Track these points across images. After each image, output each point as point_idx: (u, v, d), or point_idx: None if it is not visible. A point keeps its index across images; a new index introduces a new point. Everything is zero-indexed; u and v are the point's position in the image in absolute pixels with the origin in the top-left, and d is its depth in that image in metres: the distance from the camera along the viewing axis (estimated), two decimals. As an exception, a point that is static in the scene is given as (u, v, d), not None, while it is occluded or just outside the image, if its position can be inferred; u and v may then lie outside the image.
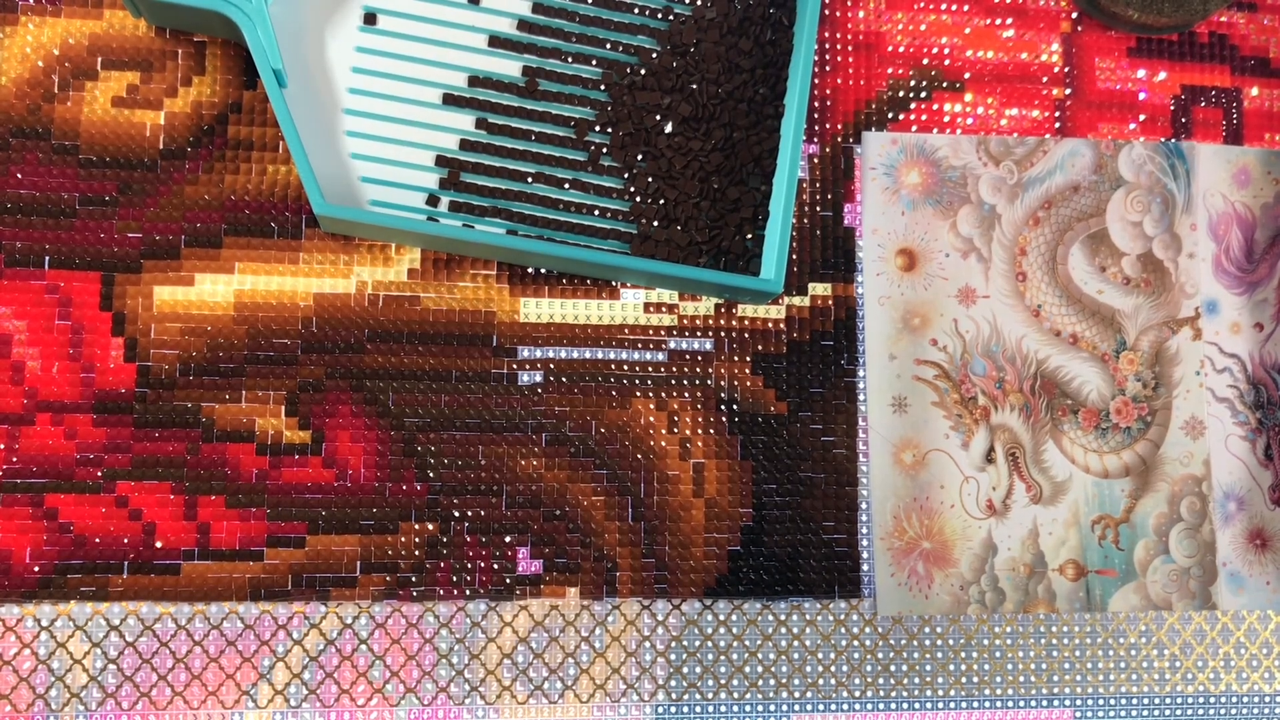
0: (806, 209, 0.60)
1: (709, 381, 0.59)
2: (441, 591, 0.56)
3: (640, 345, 0.58)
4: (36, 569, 0.54)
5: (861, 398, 0.60)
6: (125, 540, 0.54)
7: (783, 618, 0.58)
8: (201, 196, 0.56)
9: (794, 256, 0.60)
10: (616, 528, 0.57)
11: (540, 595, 0.56)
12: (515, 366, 0.57)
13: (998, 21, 0.63)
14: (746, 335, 0.59)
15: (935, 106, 0.62)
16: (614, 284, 0.59)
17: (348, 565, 0.55)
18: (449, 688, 0.56)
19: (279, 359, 0.56)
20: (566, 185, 0.58)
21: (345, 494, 0.56)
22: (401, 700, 0.55)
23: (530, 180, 0.58)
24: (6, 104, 0.56)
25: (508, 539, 0.56)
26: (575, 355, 0.58)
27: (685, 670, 0.57)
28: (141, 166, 0.56)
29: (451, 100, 0.58)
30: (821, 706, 0.58)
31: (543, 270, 0.58)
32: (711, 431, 0.58)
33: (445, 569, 0.56)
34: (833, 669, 0.58)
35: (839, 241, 0.60)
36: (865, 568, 0.59)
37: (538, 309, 0.58)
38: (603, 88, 0.59)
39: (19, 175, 0.55)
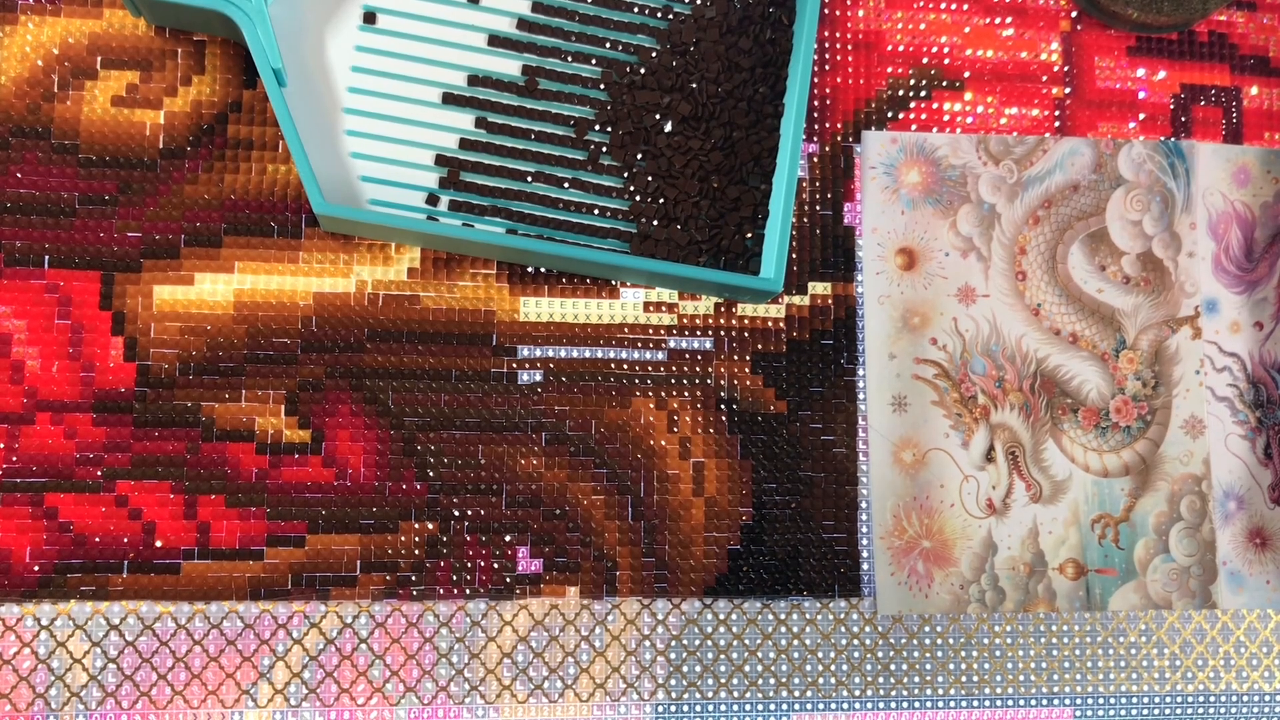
0: (806, 208, 0.60)
1: (709, 381, 0.59)
2: (441, 591, 0.56)
3: (640, 344, 0.58)
4: (36, 568, 0.54)
5: (861, 397, 0.60)
6: (125, 540, 0.54)
7: (782, 617, 0.58)
8: (201, 196, 0.56)
9: (794, 256, 0.60)
10: (616, 527, 0.57)
11: (540, 594, 0.56)
12: (515, 366, 0.58)
13: (997, 20, 0.63)
14: (746, 334, 0.59)
15: (935, 105, 0.62)
16: (614, 283, 0.59)
17: (348, 565, 0.55)
18: (449, 687, 0.56)
19: (279, 358, 0.56)
20: (566, 184, 0.58)
21: (345, 493, 0.56)
22: (401, 699, 0.55)
23: (530, 180, 0.58)
24: (6, 103, 0.56)
25: (507, 538, 0.56)
26: (575, 355, 0.58)
27: (685, 669, 0.57)
28: (141, 166, 0.56)
29: (451, 100, 0.58)
30: (821, 705, 0.58)
31: (543, 269, 0.58)
32: (711, 431, 0.58)
33: (445, 568, 0.56)
34: (833, 668, 0.58)
35: (839, 241, 0.60)
36: (865, 567, 0.59)
37: (537, 308, 0.58)
38: (602, 87, 0.59)
39: (19, 175, 0.55)
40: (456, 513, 0.56)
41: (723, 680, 0.57)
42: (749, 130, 0.58)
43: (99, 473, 0.54)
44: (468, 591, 0.56)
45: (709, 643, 0.57)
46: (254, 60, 0.54)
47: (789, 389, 0.59)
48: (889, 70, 0.62)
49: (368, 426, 0.56)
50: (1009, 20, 0.63)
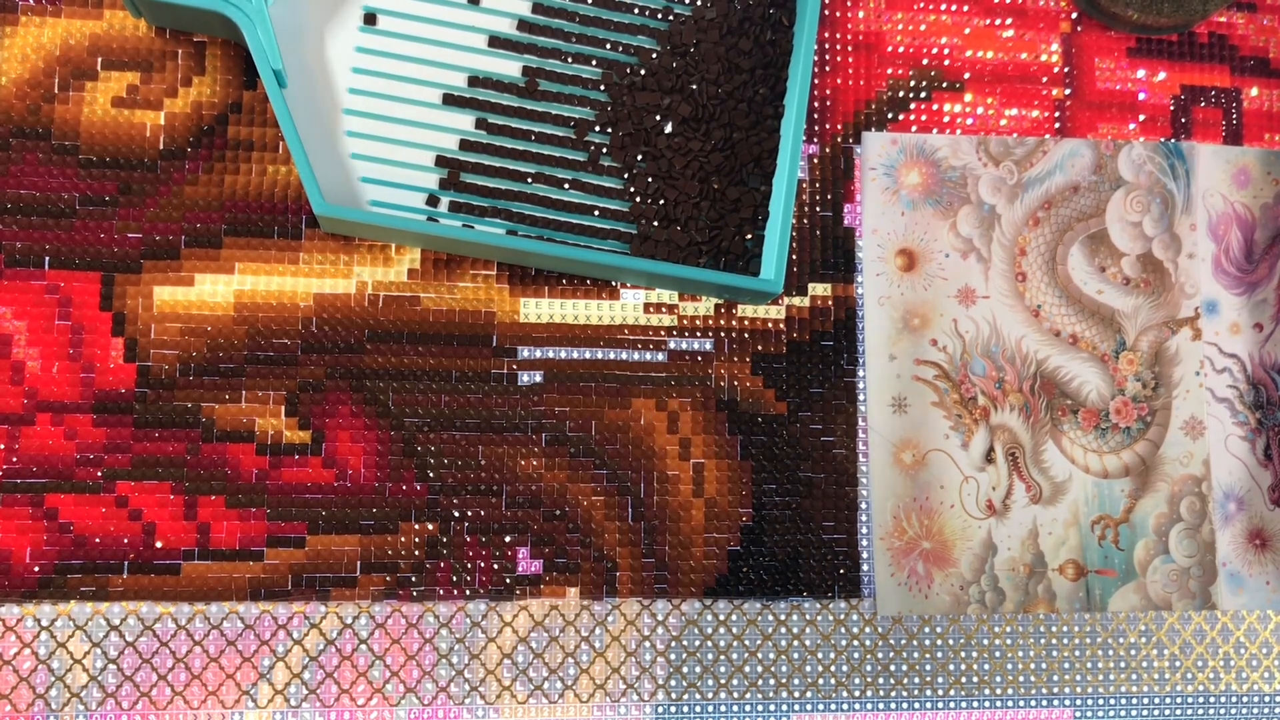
0: (806, 209, 0.60)
1: (709, 381, 0.59)
2: (441, 591, 0.56)
3: (640, 345, 0.58)
4: (36, 569, 0.54)
5: (861, 398, 0.60)
6: (125, 540, 0.54)
7: (782, 618, 0.58)
8: (201, 197, 0.56)
9: (794, 257, 0.60)
10: (616, 528, 0.57)
11: (540, 595, 0.56)
12: (515, 366, 0.58)
13: (997, 21, 0.63)
14: (746, 335, 0.59)
15: (935, 107, 0.62)
16: (614, 284, 0.59)
17: (348, 565, 0.55)
18: (449, 688, 0.56)
19: (279, 359, 0.56)
20: (566, 185, 0.58)
21: (345, 494, 0.56)
22: (401, 700, 0.55)
23: (530, 180, 0.58)
24: (7, 104, 0.56)
25: (508, 539, 0.56)
26: (575, 355, 0.58)
27: (685, 670, 0.57)
28: (141, 166, 0.56)
29: (451, 100, 0.58)
30: (821, 706, 0.58)
31: (543, 270, 0.58)
32: (711, 432, 0.58)
33: (445, 569, 0.56)
34: (832, 669, 0.58)
35: (839, 242, 0.60)
36: (865, 568, 0.59)
37: (538, 309, 0.58)
38: (603, 88, 0.59)
39: (19, 175, 0.55)
40: (456, 513, 0.56)
41: (723, 681, 0.57)
42: (749, 131, 0.58)
43: (99, 473, 0.54)
44: (468, 592, 0.56)
45: (709, 644, 0.57)
46: (254, 61, 0.54)
47: (789, 390, 0.59)
48: (889, 71, 0.62)
49: (368, 427, 0.56)
50: (1009, 21, 0.63)
